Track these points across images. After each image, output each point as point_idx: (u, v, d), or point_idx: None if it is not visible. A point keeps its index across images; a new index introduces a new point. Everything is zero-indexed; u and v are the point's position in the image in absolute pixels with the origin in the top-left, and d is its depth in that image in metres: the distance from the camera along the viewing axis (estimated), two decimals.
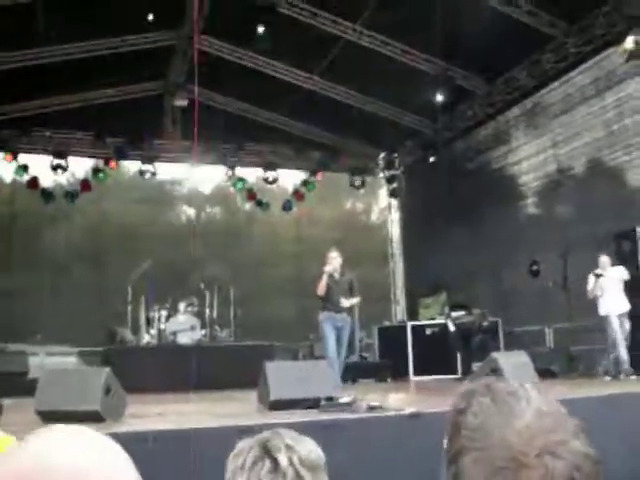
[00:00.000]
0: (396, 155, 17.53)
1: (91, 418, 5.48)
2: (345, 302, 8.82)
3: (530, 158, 13.15)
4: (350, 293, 8.97)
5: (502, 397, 0.98)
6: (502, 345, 12.73)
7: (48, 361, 13.38)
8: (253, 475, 1.44)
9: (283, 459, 1.45)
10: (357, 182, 17.43)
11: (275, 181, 16.56)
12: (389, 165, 17.66)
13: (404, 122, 15.66)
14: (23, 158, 14.89)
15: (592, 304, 9.79)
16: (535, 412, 0.93)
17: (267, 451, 1.47)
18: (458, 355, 12.54)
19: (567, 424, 0.93)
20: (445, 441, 1.02)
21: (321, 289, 8.73)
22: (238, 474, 1.46)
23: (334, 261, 8.89)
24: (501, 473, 0.88)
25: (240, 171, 16.45)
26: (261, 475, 1.44)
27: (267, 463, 1.46)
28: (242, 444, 1.53)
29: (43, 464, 0.79)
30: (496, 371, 7.02)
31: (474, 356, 11.45)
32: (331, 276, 8.81)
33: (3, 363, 12.05)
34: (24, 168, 14.84)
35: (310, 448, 1.51)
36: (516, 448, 0.89)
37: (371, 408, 5.88)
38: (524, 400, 0.96)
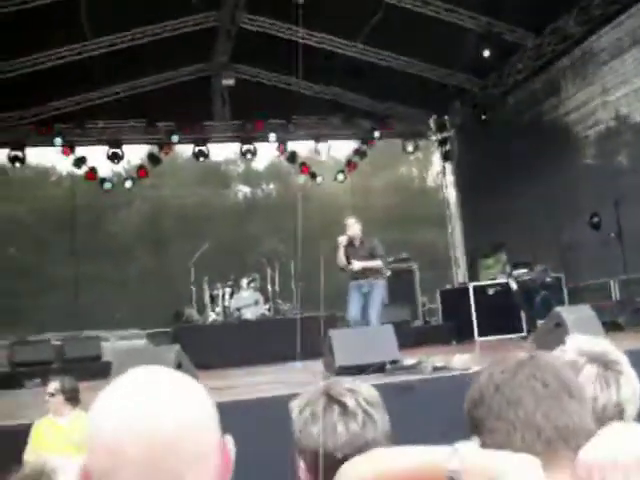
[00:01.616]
0: (446, 117, 17.30)
1: None
2: (356, 264, 8.74)
3: (582, 107, 12.82)
4: (373, 258, 8.90)
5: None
6: (566, 300, 12.54)
7: (119, 344, 13.81)
8: (326, 421, 1.54)
9: (350, 401, 1.55)
10: (409, 147, 17.28)
11: (327, 152, 16.57)
12: (440, 128, 17.43)
13: (452, 82, 15.42)
14: (79, 150, 15.24)
15: None
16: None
17: (332, 397, 1.57)
18: (522, 313, 12.43)
19: None
20: None
21: (340, 260, 8.72)
22: (310, 424, 1.56)
23: (352, 228, 8.84)
24: None
25: (292, 145, 16.49)
26: (334, 419, 1.54)
27: (336, 408, 1.55)
28: (304, 397, 1.61)
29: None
30: (560, 325, 6.96)
31: (538, 313, 11.33)
32: (351, 244, 8.77)
33: (78, 349, 12.50)
34: (82, 160, 15.21)
35: (368, 388, 1.61)
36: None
37: (436, 369, 5.93)
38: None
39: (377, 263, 8.91)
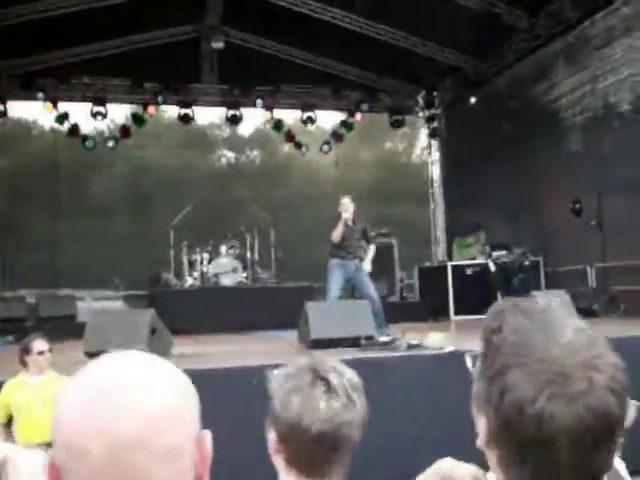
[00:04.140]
0: (436, 94, 17.22)
1: None
2: (367, 266, 8.76)
3: (571, 93, 12.81)
4: (364, 240, 8.93)
5: (537, 315, 1.03)
6: (543, 284, 12.64)
7: (95, 305, 13.76)
8: (309, 394, 1.57)
9: (335, 380, 1.58)
10: (396, 122, 17.20)
11: (313, 122, 16.44)
12: (429, 104, 17.35)
13: (443, 59, 15.31)
14: (63, 106, 15.00)
15: (630, 244, 9.65)
16: (574, 329, 1.00)
17: (318, 373, 1.58)
18: (499, 295, 12.51)
19: (599, 339, 1.00)
20: (475, 361, 1.07)
21: (337, 235, 8.65)
22: (293, 395, 1.58)
23: (349, 207, 8.79)
24: (548, 386, 0.94)
25: (278, 113, 16.35)
26: (317, 395, 1.56)
27: (320, 384, 1.58)
28: (290, 368, 1.63)
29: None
30: None
31: (515, 295, 11.41)
32: (345, 224, 8.74)
33: (52, 308, 12.44)
34: (64, 116, 14.98)
35: (351, 372, 1.64)
36: (561, 362, 0.95)
37: (411, 347, 5.96)
38: (560, 317, 1.03)
39: (373, 253, 8.92)
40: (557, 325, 1.01)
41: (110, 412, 0.80)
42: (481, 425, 1.03)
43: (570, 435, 0.93)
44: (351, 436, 1.58)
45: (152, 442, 0.80)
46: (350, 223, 8.73)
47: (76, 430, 0.80)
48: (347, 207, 8.76)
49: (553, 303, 1.07)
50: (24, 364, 4.89)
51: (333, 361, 1.66)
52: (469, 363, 1.11)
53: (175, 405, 0.85)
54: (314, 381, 1.58)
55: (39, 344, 4.90)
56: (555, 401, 0.93)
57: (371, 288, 8.68)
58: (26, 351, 4.87)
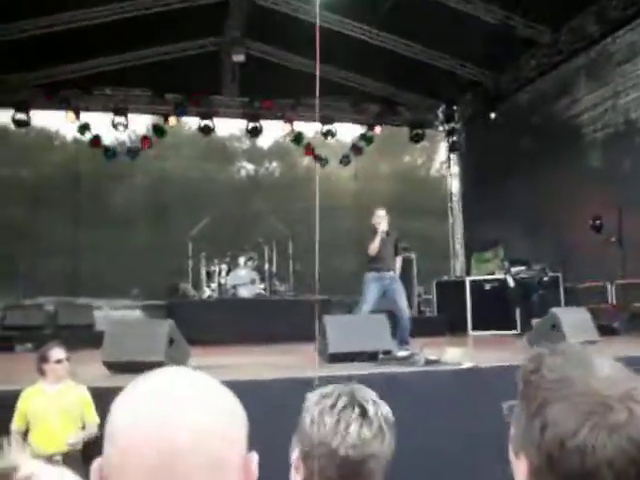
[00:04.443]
0: (456, 108, 17.19)
1: (155, 369, 5.65)
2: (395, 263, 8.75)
3: (592, 109, 12.74)
4: (395, 252, 8.90)
5: (573, 355, 1.06)
6: (563, 301, 12.53)
7: (113, 314, 13.81)
8: (343, 416, 1.56)
9: (371, 409, 1.57)
10: (416, 136, 17.18)
11: (333, 135, 16.47)
12: (449, 118, 17.32)
13: (464, 73, 15.31)
14: (85, 117, 15.13)
15: None
16: (610, 364, 1.03)
17: (356, 400, 1.58)
18: (517, 311, 12.42)
19: (633, 374, 1.02)
20: (515, 403, 1.07)
21: (374, 249, 8.52)
22: (327, 413, 1.57)
23: (383, 220, 8.71)
24: (590, 418, 0.94)
25: (298, 125, 16.40)
26: (351, 418, 1.56)
27: (357, 409, 1.58)
28: (329, 388, 1.64)
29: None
30: (556, 327, 6.95)
31: (534, 312, 11.32)
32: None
33: (70, 316, 12.49)
34: (86, 127, 15.11)
35: (388, 409, 1.64)
36: (601, 393, 0.96)
37: (429, 362, 5.92)
38: (595, 355, 1.05)
39: (399, 265, 9.01)
40: (594, 361, 1.03)
41: (161, 422, 0.85)
42: (521, 467, 1.02)
43: (613, 467, 0.92)
44: (374, 470, 1.56)
45: (201, 453, 0.85)
46: (384, 235, 8.66)
47: (129, 435, 0.85)
48: (382, 219, 8.68)
49: (588, 346, 1.10)
50: (42, 372, 4.88)
51: (372, 393, 1.66)
52: (505, 411, 1.11)
53: (225, 423, 0.89)
54: (351, 405, 1.58)
55: (57, 352, 4.90)
56: (596, 432, 0.93)
57: (405, 302, 8.63)
58: (44, 359, 4.87)
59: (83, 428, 4.81)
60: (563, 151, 13.20)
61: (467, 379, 5.56)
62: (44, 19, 12.42)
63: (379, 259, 8.58)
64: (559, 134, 13.43)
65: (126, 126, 15.20)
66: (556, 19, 12.71)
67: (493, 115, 14.93)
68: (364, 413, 1.57)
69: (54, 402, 4.76)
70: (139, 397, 0.89)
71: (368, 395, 1.63)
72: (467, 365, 5.78)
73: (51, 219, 15.38)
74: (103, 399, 4.89)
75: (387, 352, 6.28)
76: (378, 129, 16.75)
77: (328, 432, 1.54)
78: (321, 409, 1.58)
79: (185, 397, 0.89)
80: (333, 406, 1.58)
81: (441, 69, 14.93)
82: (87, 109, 15.09)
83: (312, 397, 1.62)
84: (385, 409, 1.62)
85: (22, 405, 4.77)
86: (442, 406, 5.22)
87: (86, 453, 4.72)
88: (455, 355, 7.14)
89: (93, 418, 4.78)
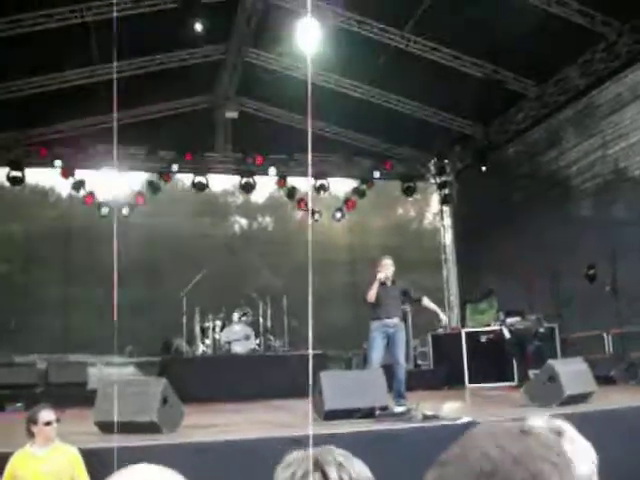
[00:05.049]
0: (447, 161, 17.37)
1: (148, 429, 5.56)
2: (443, 317, 8.96)
3: (581, 160, 12.90)
4: (409, 301, 8.87)
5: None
6: (559, 351, 12.47)
7: (106, 371, 13.65)
8: None
9: (333, 474, 1.45)
10: (408, 189, 17.31)
11: (326, 190, 16.58)
12: (440, 171, 17.50)
13: (454, 127, 15.53)
14: (79, 174, 15.22)
15: None
16: None
17: (318, 465, 1.48)
18: (514, 362, 12.33)
19: None
20: None
21: (371, 296, 8.51)
22: None
23: (386, 268, 8.71)
24: None
25: (291, 180, 16.52)
26: None
27: (317, 477, 1.47)
28: (292, 456, 1.53)
29: None
30: (553, 379, 6.89)
31: (530, 363, 11.25)
32: (383, 284, 8.64)
33: (62, 374, 12.34)
34: (80, 183, 15.18)
35: (361, 468, 1.51)
36: None
37: (426, 417, 5.83)
38: None
39: (433, 304, 9.09)
40: None
41: None
42: None
43: None
44: None
45: None
46: (389, 284, 8.63)
47: None
48: (383, 267, 8.67)
49: None
50: (31, 434, 4.80)
51: (341, 453, 1.56)
52: None
53: None
54: (312, 472, 1.43)
55: (46, 414, 4.82)
56: None
57: (402, 354, 8.52)
58: (33, 422, 4.79)
59: None
60: (553, 201, 13.31)
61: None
62: (37, 79, 12.60)
63: (380, 307, 8.53)
64: (549, 185, 13.57)
65: (120, 183, 15.26)
66: (542, 72, 12.95)
67: (484, 168, 15.06)
68: (324, 479, 1.43)
69: (44, 465, 4.67)
70: None
71: (333, 457, 1.49)
72: (465, 420, 5.69)
73: (43, 275, 15.33)
74: (95, 460, 4.80)
75: (384, 408, 6.20)
76: (371, 183, 16.88)
77: None
78: (282, 478, 1.50)
79: None
80: (292, 476, 1.50)
81: (432, 123, 15.15)
82: (81, 166, 15.17)
83: (280, 465, 1.54)
84: (354, 470, 1.47)
85: (10, 470, 4.67)
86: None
87: None
88: (452, 409, 7.06)
89: (84, 478, 4.70)
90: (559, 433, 1.34)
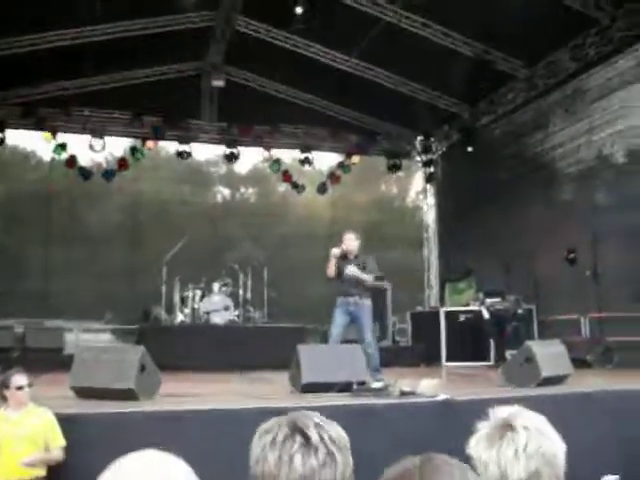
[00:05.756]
0: (433, 139, 17.33)
1: (125, 396, 5.54)
2: (350, 268, 8.36)
3: (567, 144, 12.92)
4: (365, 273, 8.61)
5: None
6: (536, 333, 12.57)
7: (83, 337, 13.60)
8: (285, 451, 1.44)
9: (314, 435, 1.45)
10: (394, 166, 17.27)
11: (311, 163, 16.50)
12: (426, 149, 17.46)
13: (441, 105, 15.47)
14: (61, 137, 15.01)
15: (624, 295, 9.62)
16: None
17: (297, 428, 1.48)
18: (491, 342, 12.43)
19: None
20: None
21: (329, 271, 8.42)
22: (269, 450, 1.46)
23: (348, 242, 8.58)
24: None
25: (276, 152, 16.41)
26: (293, 450, 1.44)
27: (298, 439, 1.46)
28: (270, 423, 1.53)
29: None
30: (530, 360, 6.93)
31: (508, 344, 11.34)
32: (345, 258, 8.52)
33: (39, 339, 12.28)
34: (62, 147, 14.97)
35: (338, 429, 1.52)
36: None
37: (403, 394, 5.85)
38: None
39: (368, 278, 8.51)
40: None
41: None
42: None
43: None
44: None
45: None
46: (350, 257, 8.53)
47: None
48: (346, 241, 8.57)
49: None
50: (4, 398, 4.80)
51: (317, 416, 1.55)
52: None
53: None
54: (291, 435, 1.47)
55: (18, 379, 4.81)
56: None
57: (369, 333, 8.37)
58: (5, 386, 4.81)
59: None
60: (537, 184, 13.34)
61: (442, 411, 5.51)
62: (23, 38, 12.36)
63: (342, 283, 8.43)
64: (533, 167, 13.59)
65: (103, 148, 15.07)
66: (533, 54, 12.90)
67: (470, 148, 15.05)
68: (306, 441, 1.45)
69: (17, 428, 4.66)
70: None
71: (311, 420, 1.51)
72: (441, 397, 5.72)
73: (23, 238, 15.18)
74: (70, 425, 4.78)
75: (361, 383, 6.21)
76: (356, 158, 16.81)
77: (273, 469, 1.44)
78: (263, 446, 1.48)
79: None
80: (273, 440, 1.48)
81: (419, 100, 15.07)
82: (64, 129, 14.96)
83: (257, 433, 1.53)
84: (334, 431, 1.51)
85: None
86: (417, 438, 5.15)
87: (51, 479, 4.61)
88: (429, 387, 7.09)
89: (59, 441, 4.70)
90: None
